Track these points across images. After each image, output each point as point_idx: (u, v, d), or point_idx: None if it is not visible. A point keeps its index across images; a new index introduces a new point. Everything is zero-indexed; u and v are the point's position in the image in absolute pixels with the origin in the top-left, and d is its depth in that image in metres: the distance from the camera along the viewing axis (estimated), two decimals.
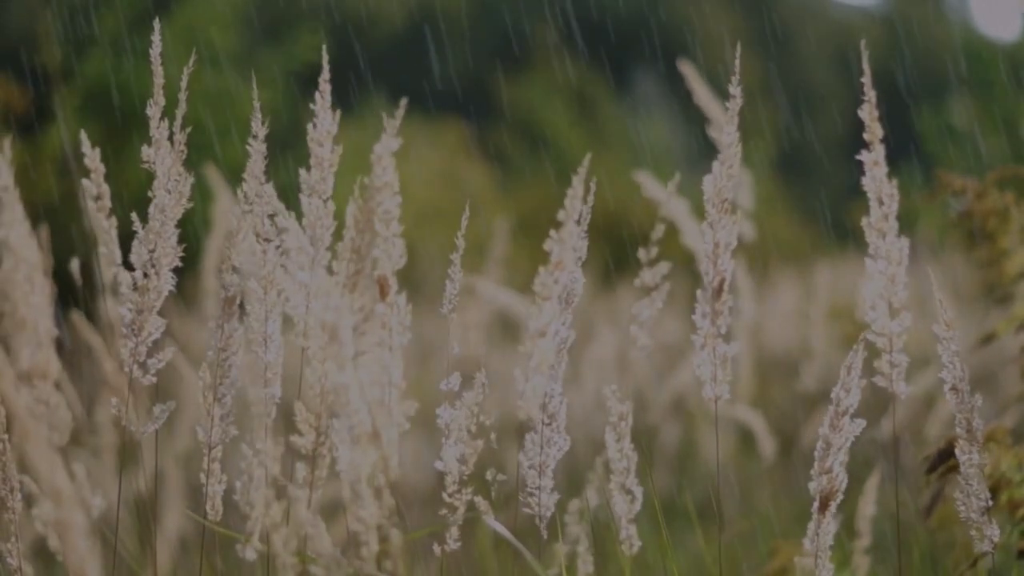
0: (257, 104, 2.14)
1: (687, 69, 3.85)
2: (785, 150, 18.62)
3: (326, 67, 2.16)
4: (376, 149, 2.24)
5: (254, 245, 2.12)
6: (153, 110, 2.11)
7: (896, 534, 2.31)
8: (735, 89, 2.11)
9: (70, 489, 1.50)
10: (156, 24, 2.11)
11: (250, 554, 2.15)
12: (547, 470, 2.06)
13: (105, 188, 2.32)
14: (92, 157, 2.31)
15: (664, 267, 2.47)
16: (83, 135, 2.28)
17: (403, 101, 2.26)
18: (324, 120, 2.16)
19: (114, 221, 2.35)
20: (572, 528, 2.50)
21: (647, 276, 2.48)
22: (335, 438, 2.07)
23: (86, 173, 2.31)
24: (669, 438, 5.15)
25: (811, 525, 2.06)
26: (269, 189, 2.13)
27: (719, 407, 2.14)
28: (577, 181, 2.29)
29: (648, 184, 3.55)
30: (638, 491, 2.20)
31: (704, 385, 2.11)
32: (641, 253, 2.48)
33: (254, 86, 2.19)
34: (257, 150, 2.12)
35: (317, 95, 2.15)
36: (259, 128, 2.12)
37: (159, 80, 2.11)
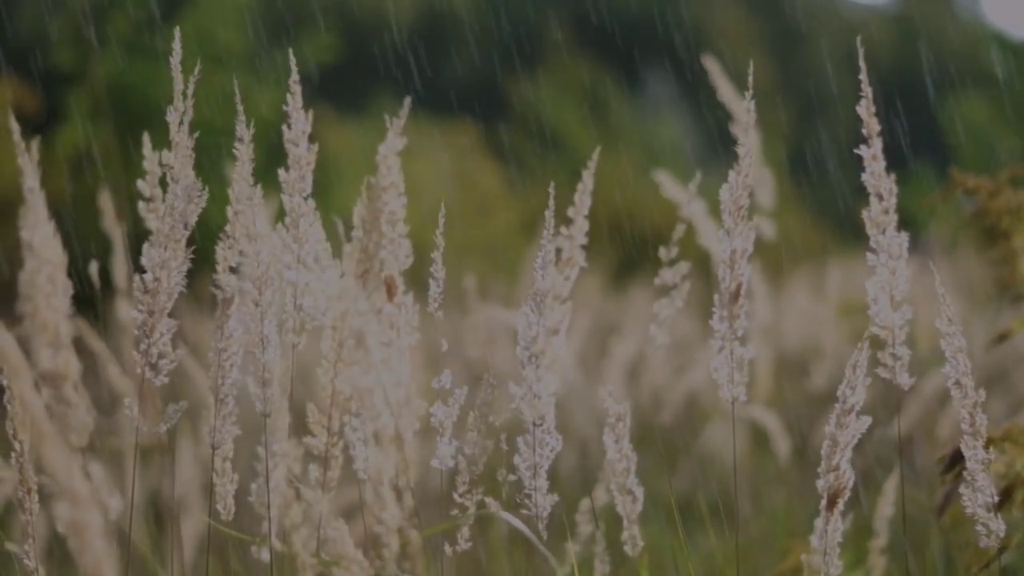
0: (240, 108, 2.13)
1: (711, 64, 3.83)
2: (797, 149, 18.60)
3: (294, 69, 2.14)
4: (380, 149, 2.24)
5: (246, 246, 2.11)
6: (173, 116, 2.10)
7: (909, 533, 2.30)
8: (749, 103, 2.11)
9: (87, 490, 1.50)
10: (177, 32, 2.11)
11: (265, 555, 2.15)
12: (541, 471, 2.06)
13: (158, 191, 2.32)
14: (151, 160, 2.32)
15: (684, 266, 2.47)
16: (145, 137, 2.28)
17: (407, 101, 2.25)
18: (298, 120, 2.15)
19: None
20: (584, 527, 2.50)
21: (667, 275, 2.47)
22: (350, 437, 2.07)
23: (103, 174, 2.31)
24: (682, 436, 5.14)
25: (819, 522, 2.06)
26: (257, 191, 2.12)
27: (735, 408, 2.14)
28: (587, 175, 2.28)
29: (667, 184, 3.53)
30: (639, 491, 2.21)
31: (721, 387, 2.11)
32: (662, 252, 2.47)
33: (238, 88, 2.18)
34: (243, 152, 2.11)
35: (288, 96, 2.14)
36: (244, 132, 2.11)
37: (179, 85, 2.10)
